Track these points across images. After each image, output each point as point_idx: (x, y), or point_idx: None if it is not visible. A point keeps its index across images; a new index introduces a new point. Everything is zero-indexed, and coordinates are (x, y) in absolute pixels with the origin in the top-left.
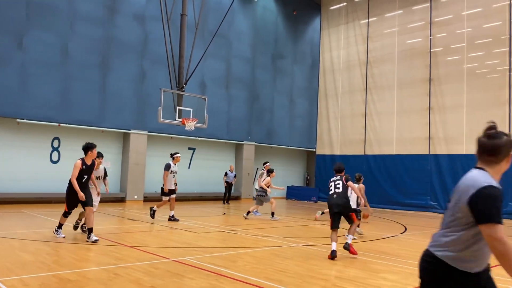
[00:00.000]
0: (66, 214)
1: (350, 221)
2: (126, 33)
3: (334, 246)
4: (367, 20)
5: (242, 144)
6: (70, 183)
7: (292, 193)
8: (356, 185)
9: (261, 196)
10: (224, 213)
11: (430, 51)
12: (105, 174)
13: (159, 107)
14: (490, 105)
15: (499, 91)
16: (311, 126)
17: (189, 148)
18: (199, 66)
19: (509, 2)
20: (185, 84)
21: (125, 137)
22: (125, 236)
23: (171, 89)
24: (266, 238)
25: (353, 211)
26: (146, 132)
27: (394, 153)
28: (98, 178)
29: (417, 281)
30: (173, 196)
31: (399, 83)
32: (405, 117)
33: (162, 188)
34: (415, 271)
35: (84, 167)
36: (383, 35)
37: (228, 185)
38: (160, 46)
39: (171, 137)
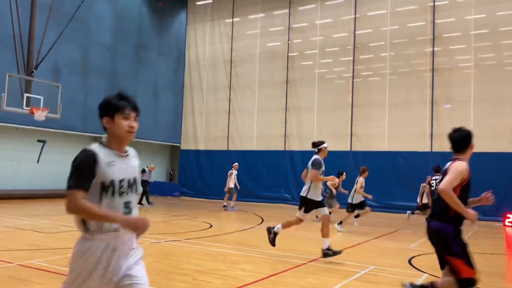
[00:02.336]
0: None
1: None
2: None
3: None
4: (231, 20)
5: (101, 137)
6: None
7: (155, 189)
8: None
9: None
10: None
11: (287, 55)
12: None
13: (3, 93)
14: (337, 107)
15: (344, 95)
16: (176, 120)
17: (39, 141)
18: (53, 51)
19: (354, 16)
20: (35, 69)
21: None
22: None
23: (18, 73)
24: None
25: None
26: None
27: (254, 149)
28: None
29: (273, 270)
30: None
31: (260, 83)
32: (264, 115)
33: None
34: (272, 260)
35: None
36: (246, 36)
37: (146, 184)
38: (6, 25)
39: (17, 128)
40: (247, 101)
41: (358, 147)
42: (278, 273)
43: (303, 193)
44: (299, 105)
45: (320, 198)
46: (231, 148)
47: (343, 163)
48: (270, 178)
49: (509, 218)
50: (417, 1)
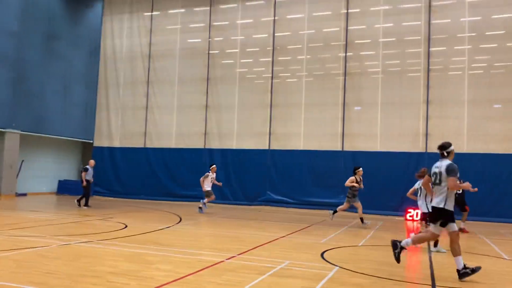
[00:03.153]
0: None
1: None
2: None
3: None
4: (150, 13)
5: (4, 132)
6: None
7: (64, 188)
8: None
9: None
10: None
11: (208, 53)
12: None
13: None
14: (256, 107)
15: (264, 95)
16: (89, 116)
17: None
18: None
19: (273, 18)
20: None
21: None
22: None
23: None
24: (31, 238)
25: None
26: None
27: (173, 146)
28: None
29: (190, 269)
30: None
31: (180, 80)
32: (184, 112)
33: None
34: (189, 259)
35: None
36: (166, 30)
37: (88, 184)
38: None
39: None
40: (166, 97)
41: (276, 145)
42: (195, 272)
43: (438, 204)
44: (219, 103)
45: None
46: (149, 145)
47: (261, 161)
48: (190, 176)
49: (409, 212)
50: (332, 7)
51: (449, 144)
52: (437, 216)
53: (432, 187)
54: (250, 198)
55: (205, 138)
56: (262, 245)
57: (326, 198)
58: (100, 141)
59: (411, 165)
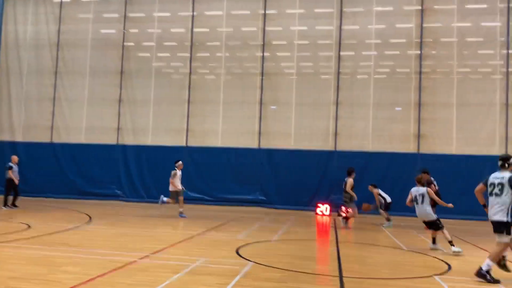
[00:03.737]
0: None
1: None
2: None
3: None
4: (60, 0)
5: None
6: None
7: None
8: None
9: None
10: None
11: (123, 45)
12: None
13: None
14: (174, 103)
15: (181, 91)
16: None
17: None
18: None
19: (192, 13)
20: None
21: None
22: None
23: None
24: None
25: None
26: None
27: (83, 142)
28: None
29: (101, 270)
30: None
31: (91, 71)
32: (96, 106)
33: None
34: (100, 260)
35: None
36: (77, 19)
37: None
38: None
39: None
40: (76, 90)
41: (193, 142)
42: (106, 273)
43: (501, 217)
44: (134, 98)
45: None
46: (56, 140)
47: (177, 159)
48: (101, 173)
49: (319, 207)
50: (250, 7)
51: (511, 156)
52: (502, 228)
53: (489, 197)
54: (166, 195)
55: (118, 134)
56: (177, 243)
57: (244, 194)
58: (0, 135)
59: (322, 163)
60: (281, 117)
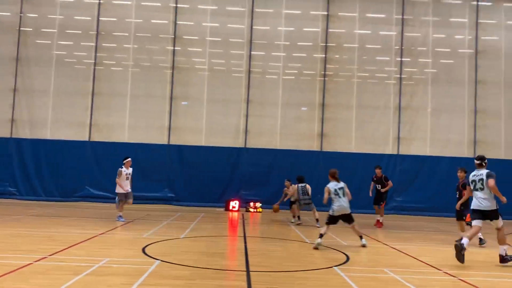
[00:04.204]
0: None
1: None
2: None
3: None
4: None
5: None
6: None
7: None
8: None
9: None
10: None
11: (19, 29)
12: None
13: None
14: (76, 94)
15: (85, 82)
16: None
17: None
18: None
19: (98, 1)
20: None
21: None
22: None
23: None
24: None
25: None
26: None
27: None
28: None
29: None
30: None
31: None
32: None
33: None
34: None
35: None
36: None
37: None
38: None
39: None
40: None
41: (97, 137)
42: None
43: (493, 206)
44: (31, 87)
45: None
46: None
47: (79, 154)
48: None
49: (229, 203)
50: None
51: (485, 157)
52: (498, 214)
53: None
54: (66, 193)
55: (12, 126)
56: (78, 243)
57: (152, 192)
58: None
59: (232, 159)
60: (192, 113)
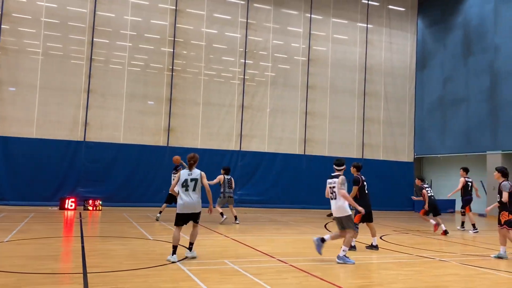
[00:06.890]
0: None
1: None
2: None
3: None
4: None
5: None
6: None
7: None
8: None
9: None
10: None
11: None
12: None
13: None
14: None
15: None
16: None
17: None
18: None
19: None
20: None
21: None
22: None
23: None
24: None
25: None
26: None
27: None
28: None
29: None
30: None
31: None
32: None
33: None
34: None
35: None
36: None
37: None
38: None
39: None
40: None
41: None
42: None
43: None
44: None
45: None
46: None
47: None
48: None
49: (64, 202)
50: None
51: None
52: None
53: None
54: None
55: None
56: None
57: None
58: None
59: (69, 154)
60: (22, 101)
